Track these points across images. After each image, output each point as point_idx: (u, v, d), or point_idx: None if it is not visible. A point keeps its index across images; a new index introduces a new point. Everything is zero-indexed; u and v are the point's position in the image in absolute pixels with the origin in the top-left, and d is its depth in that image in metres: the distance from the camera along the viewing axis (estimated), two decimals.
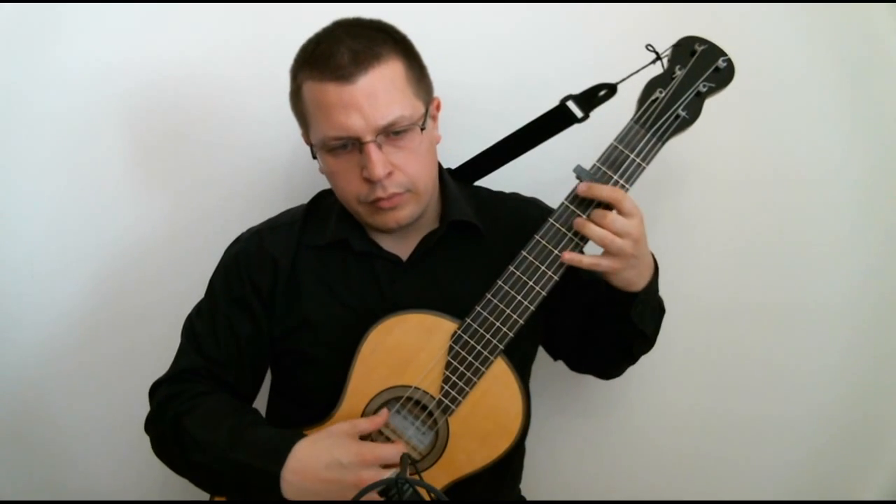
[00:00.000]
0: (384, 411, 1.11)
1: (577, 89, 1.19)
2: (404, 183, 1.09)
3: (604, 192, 1.04)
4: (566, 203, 1.07)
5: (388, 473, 1.04)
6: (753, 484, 1.52)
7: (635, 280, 1.09)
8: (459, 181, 1.27)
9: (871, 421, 1.49)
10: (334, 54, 1.04)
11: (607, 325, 1.17)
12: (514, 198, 1.28)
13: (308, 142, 1.15)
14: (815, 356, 1.48)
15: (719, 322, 1.49)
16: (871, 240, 1.44)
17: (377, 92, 1.04)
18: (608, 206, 1.05)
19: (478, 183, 1.31)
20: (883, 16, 1.37)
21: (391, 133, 1.06)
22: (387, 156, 1.07)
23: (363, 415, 1.12)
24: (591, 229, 1.04)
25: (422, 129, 1.09)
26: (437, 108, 1.19)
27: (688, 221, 1.46)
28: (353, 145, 1.07)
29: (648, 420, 1.52)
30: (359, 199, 1.11)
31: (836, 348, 1.47)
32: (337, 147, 1.08)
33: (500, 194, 1.29)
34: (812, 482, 1.51)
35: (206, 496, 1.20)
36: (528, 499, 1.35)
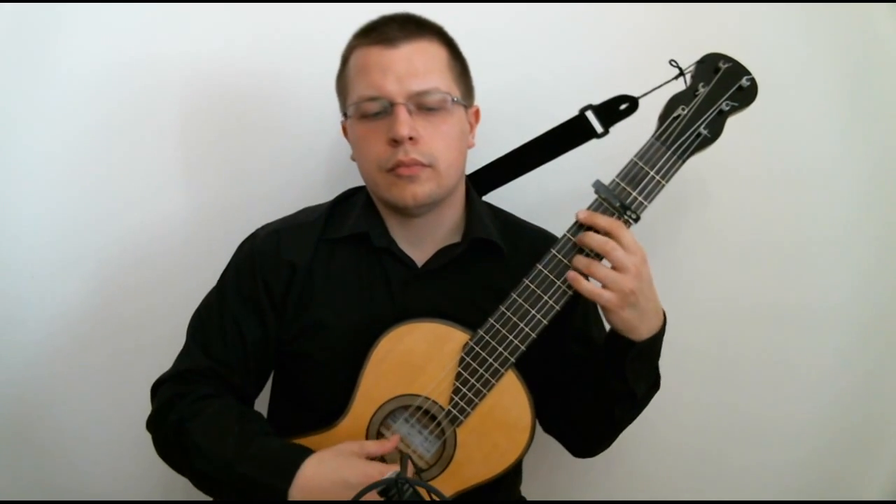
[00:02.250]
0: (396, 436, 1.11)
1: (595, 97, 1.19)
2: (426, 154, 1.10)
3: (603, 222, 1.04)
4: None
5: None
6: (754, 484, 1.53)
7: (636, 324, 1.06)
8: (485, 202, 1.27)
9: (872, 421, 1.50)
10: (385, 24, 1.13)
11: (598, 376, 1.14)
12: (536, 229, 1.28)
13: (346, 132, 1.19)
14: (815, 356, 1.48)
15: (720, 322, 1.49)
16: (871, 240, 1.44)
17: (416, 60, 1.10)
18: None
19: (491, 195, 1.32)
20: (883, 16, 1.37)
21: (424, 107, 1.10)
22: (415, 124, 1.09)
23: (370, 422, 1.12)
24: (579, 260, 1.05)
25: (453, 101, 1.12)
26: (476, 116, 1.22)
27: (688, 222, 1.47)
28: (384, 112, 1.10)
29: (648, 420, 1.49)
30: (379, 165, 1.12)
31: (837, 348, 1.48)
32: (369, 113, 1.11)
33: (522, 222, 1.29)
34: (813, 482, 1.52)
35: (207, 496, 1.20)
36: (528, 499, 1.35)
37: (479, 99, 1.22)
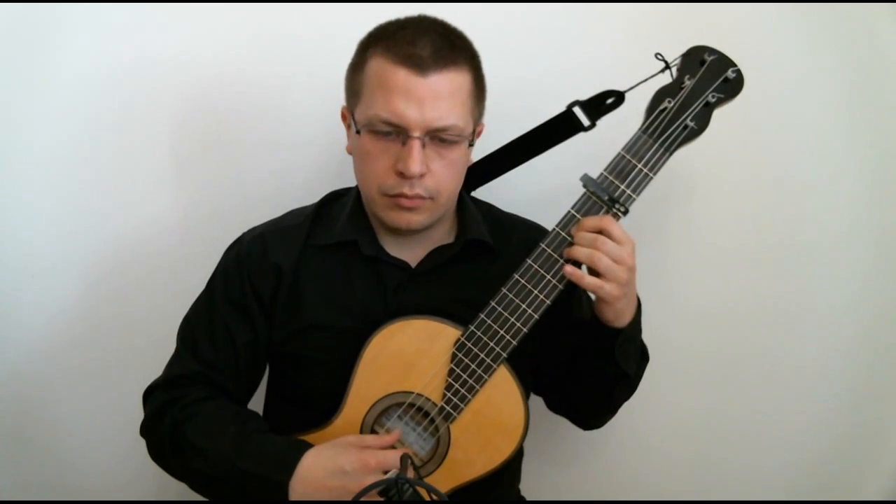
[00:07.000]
0: (397, 431, 1.11)
1: (583, 92, 1.19)
2: (431, 189, 1.09)
3: (589, 224, 1.05)
4: (573, 212, 1.07)
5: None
6: (753, 484, 1.53)
7: (625, 312, 1.09)
8: (474, 198, 1.27)
9: (872, 422, 1.50)
10: (416, 42, 1.05)
11: (590, 364, 1.16)
12: (525, 222, 1.29)
13: (346, 119, 1.16)
14: (815, 358, 1.48)
15: (719, 323, 1.49)
16: (871, 242, 1.44)
17: (443, 94, 1.06)
18: None
19: (480, 189, 1.31)
20: (883, 16, 1.37)
21: (438, 139, 1.08)
22: (427, 158, 1.07)
23: (364, 420, 1.12)
24: (579, 250, 1.04)
25: (470, 145, 1.11)
26: (479, 133, 1.19)
27: (688, 224, 1.47)
28: (397, 135, 1.07)
29: (648, 420, 1.52)
30: (380, 189, 1.10)
31: (837, 350, 1.48)
32: (381, 131, 1.08)
33: (513, 216, 1.29)
34: (812, 483, 1.52)
35: None
36: (528, 499, 1.35)
37: None
